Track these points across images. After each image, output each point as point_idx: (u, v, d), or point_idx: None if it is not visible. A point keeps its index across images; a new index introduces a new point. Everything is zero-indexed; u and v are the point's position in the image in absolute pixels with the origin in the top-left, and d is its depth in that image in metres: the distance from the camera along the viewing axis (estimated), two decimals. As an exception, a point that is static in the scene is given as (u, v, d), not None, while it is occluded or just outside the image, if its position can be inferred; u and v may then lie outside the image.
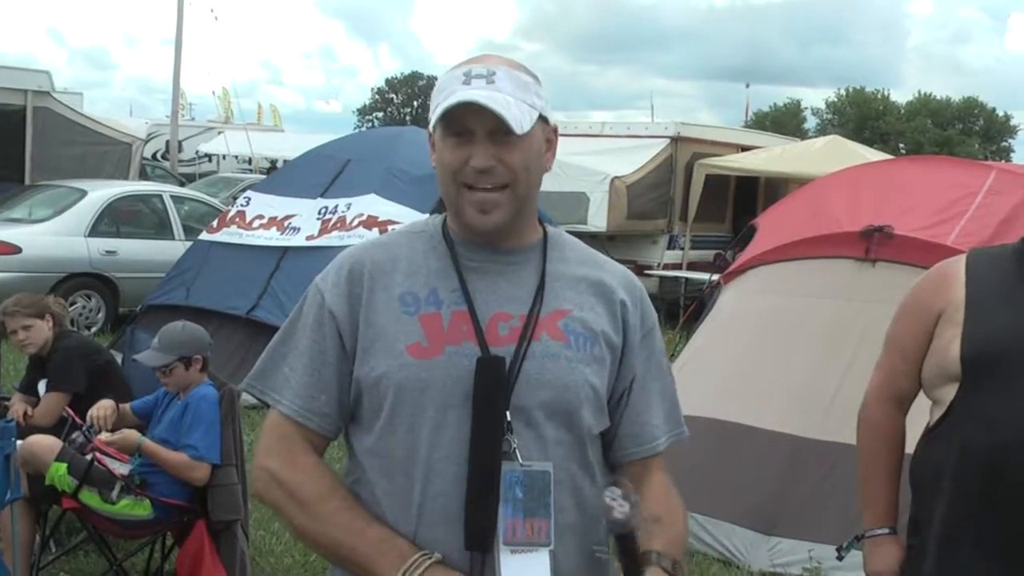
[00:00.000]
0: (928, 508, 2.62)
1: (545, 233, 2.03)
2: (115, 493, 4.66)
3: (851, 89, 70.04)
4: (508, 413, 1.84)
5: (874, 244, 5.87)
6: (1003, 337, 2.50)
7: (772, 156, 15.72)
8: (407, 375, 1.86)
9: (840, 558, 2.96)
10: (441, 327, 1.88)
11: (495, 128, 1.84)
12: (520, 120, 1.84)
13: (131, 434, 4.71)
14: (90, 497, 4.66)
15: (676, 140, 15.28)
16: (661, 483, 2.04)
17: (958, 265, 2.67)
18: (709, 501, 5.73)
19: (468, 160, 1.86)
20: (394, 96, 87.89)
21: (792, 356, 6.01)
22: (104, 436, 4.76)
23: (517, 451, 1.83)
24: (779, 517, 5.60)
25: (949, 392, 2.56)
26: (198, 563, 4.67)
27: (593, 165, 14.51)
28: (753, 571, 5.52)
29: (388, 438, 1.88)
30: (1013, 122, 67.00)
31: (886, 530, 2.71)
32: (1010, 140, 66.10)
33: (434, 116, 1.86)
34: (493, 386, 1.83)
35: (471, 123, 1.84)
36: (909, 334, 2.68)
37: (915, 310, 2.69)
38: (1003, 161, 37.48)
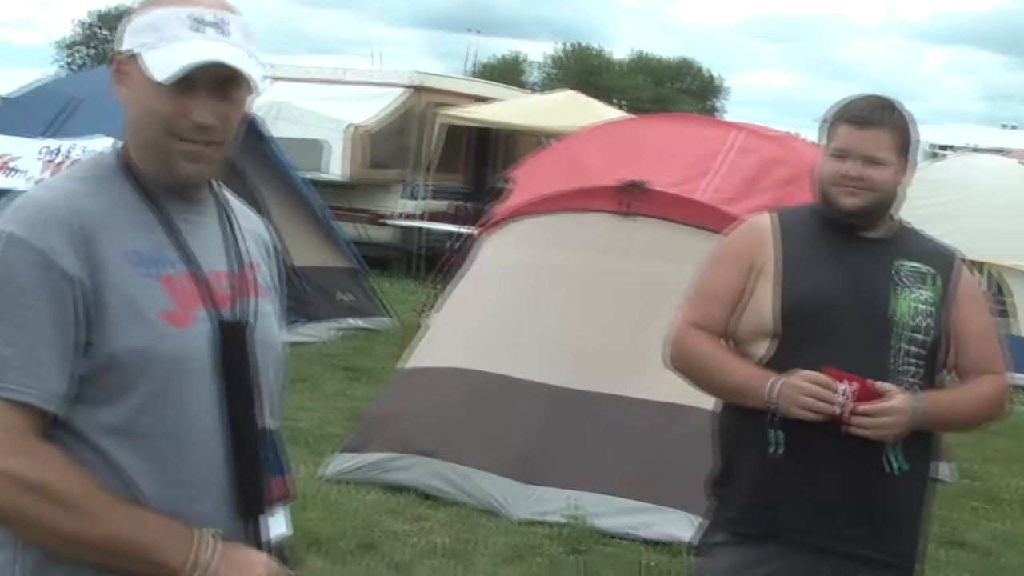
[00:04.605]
0: (739, 458, 2.74)
1: (210, 181, 1.88)
2: None
3: (572, 45, 71.97)
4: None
5: (631, 198, 6.00)
6: (816, 294, 2.65)
7: (512, 108, 15.92)
8: (168, 346, 1.69)
9: None
10: (182, 290, 1.73)
11: (222, 81, 1.70)
12: (258, 79, 1.74)
13: None
14: None
15: (415, 89, 15.20)
16: None
17: (766, 221, 2.80)
18: (469, 452, 5.76)
19: (185, 112, 1.70)
20: (104, 31, 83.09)
21: (551, 308, 6.08)
22: None
23: (261, 415, 1.81)
24: (539, 467, 5.68)
25: (763, 347, 2.69)
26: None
27: (330, 112, 14.19)
28: (514, 520, 5.59)
29: (144, 414, 1.69)
30: (727, 84, 70.94)
31: (773, 377, 2.60)
32: (724, 101, 69.88)
33: (163, 64, 1.67)
34: (242, 353, 1.76)
35: (196, 74, 1.67)
36: (725, 280, 2.76)
37: (732, 259, 2.78)
38: (714, 120, 39.44)
